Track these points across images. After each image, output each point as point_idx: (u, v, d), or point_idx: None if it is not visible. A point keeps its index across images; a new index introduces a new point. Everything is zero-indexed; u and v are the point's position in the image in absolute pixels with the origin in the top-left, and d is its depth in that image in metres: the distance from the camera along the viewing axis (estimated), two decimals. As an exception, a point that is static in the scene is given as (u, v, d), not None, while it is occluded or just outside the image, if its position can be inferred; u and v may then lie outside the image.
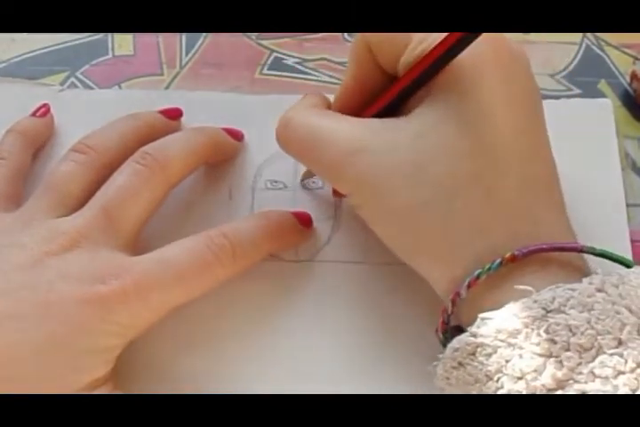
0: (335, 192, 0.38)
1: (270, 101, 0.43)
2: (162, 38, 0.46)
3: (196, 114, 0.41)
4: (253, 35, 0.46)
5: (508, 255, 0.29)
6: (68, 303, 0.31)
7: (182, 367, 0.36)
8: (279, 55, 0.46)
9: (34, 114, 0.42)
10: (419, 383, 0.33)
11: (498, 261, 0.29)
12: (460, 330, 0.30)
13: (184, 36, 0.46)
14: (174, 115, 0.41)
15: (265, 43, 0.46)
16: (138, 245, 0.36)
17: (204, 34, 0.46)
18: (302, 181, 0.40)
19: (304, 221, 0.38)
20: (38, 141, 0.41)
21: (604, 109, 0.42)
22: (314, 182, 0.40)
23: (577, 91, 0.44)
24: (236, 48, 0.46)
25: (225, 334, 0.36)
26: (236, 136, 0.41)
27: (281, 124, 0.34)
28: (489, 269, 0.29)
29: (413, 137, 0.31)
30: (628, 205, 0.39)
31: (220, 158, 0.41)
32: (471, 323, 0.29)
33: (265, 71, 0.45)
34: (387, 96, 0.33)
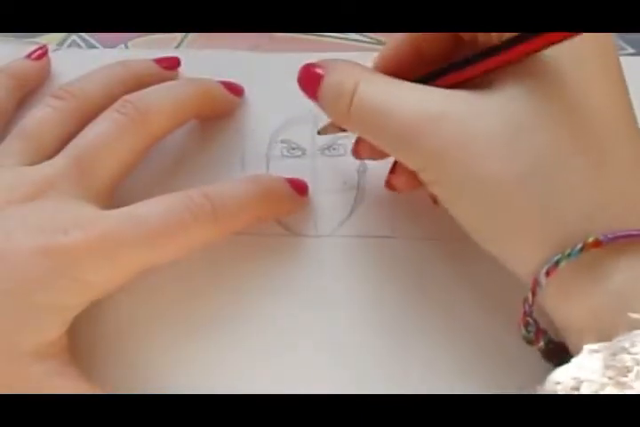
0: (389, 183, 0.36)
1: (290, 60, 0.39)
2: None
3: (209, 75, 0.40)
4: None
5: (590, 240, 0.27)
6: (26, 254, 0.31)
7: (191, 353, 0.35)
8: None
9: (29, 56, 0.41)
10: (450, 366, 0.33)
11: (579, 246, 0.27)
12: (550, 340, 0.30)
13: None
14: (170, 64, 0.40)
15: None
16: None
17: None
18: (319, 134, 0.37)
19: (299, 188, 0.37)
20: (27, 85, 0.40)
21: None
22: (334, 149, 0.38)
23: (630, 50, 0.42)
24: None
25: (240, 316, 0.35)
26: (235, 91, 0.39)
27: (342, 98, 0.31)
28: (569, 255, 0.27)
29: (502, 103, 0.28)
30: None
31: (215, 113, 0.39)
32: (561, 317, 0.28)
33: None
34: (476, 69, 0.30)
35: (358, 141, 0.35)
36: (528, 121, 0.28)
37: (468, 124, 0.29)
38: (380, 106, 0.30)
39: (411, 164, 0.31)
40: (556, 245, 0.28)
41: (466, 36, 0.31)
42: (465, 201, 0.30)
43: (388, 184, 0.36)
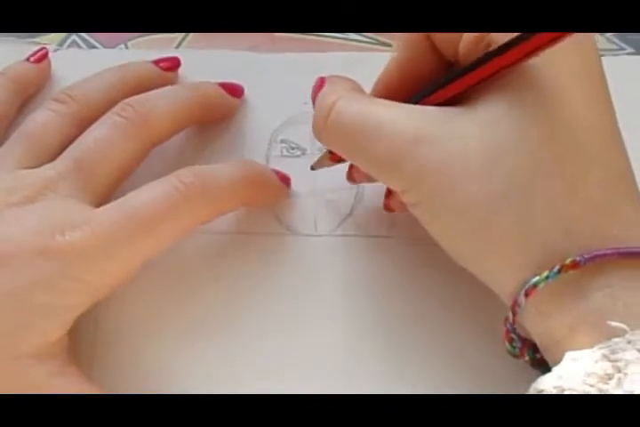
0: (387, 206, 0.36)
1: (289, 60, 0.41)
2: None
3: (209, 75, 0.40)
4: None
5: (568, 262, 0.27)
6: (26, 256, 0.31)
7: (190, 355, 0.34)
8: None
9: (28, 59, 0.40)
10: (447, 367, 0.33)
11: (557, 268, 0.27)
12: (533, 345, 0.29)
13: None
14: (170, 65, 0.40)
15: None
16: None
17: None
18: (312, 169, 0.37)
19: (283, 179, 0.37)
20: (28, 89, 0.40)
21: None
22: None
23: (630, 49, 0.42)
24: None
25: (239, 315, 0.35)
26: (235, 92, 0.39)
27: (321, 111, 0.31)
28: (547, 277, 0.27)
29: (483, 126, 0.28)
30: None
31: (215, 117, 0.39)
32: (540, 334, 0.28)
33: (287, 28, 0.43)
34: (454, 86, 0.29)
35: (351, 167, 0.35)
36: (507, 144, 0.28)
37: (445, 145, 0.28)
38: (357, 125, 0.30)
39: (392, 185, 0.31)
40: (535, 265, 0.28)
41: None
42: (445, 222, 0.30)
43: (386, 207, 0.36)
